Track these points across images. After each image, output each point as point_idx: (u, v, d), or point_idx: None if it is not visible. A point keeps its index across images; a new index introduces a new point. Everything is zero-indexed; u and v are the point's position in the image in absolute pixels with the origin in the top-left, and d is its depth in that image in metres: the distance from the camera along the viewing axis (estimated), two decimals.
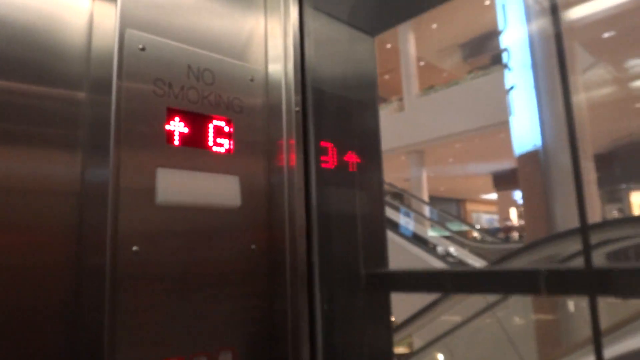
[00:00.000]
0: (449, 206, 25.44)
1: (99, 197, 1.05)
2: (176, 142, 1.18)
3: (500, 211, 23.05)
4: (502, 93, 7.46)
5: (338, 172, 1.42)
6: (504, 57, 7.39)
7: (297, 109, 1.34)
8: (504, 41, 7.45)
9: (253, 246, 1.29)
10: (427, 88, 15.15)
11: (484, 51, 16.91)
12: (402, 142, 14.89)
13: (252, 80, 1.36)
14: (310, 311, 1.28)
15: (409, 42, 15.84)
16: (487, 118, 12.09)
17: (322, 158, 1.39)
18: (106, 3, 1.14)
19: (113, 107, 1.07)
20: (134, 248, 1.07)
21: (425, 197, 15.90)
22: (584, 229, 1.11)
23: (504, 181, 19.78)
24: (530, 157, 6.65)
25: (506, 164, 17.12)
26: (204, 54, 1.27)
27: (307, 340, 1.25)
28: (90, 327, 1.03)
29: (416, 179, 16.05)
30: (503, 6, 7.18)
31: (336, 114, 1.48)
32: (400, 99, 16.13)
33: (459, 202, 26.42)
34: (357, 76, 1.57)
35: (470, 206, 26.89)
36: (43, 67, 1.05)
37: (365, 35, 1.59)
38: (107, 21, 1.12)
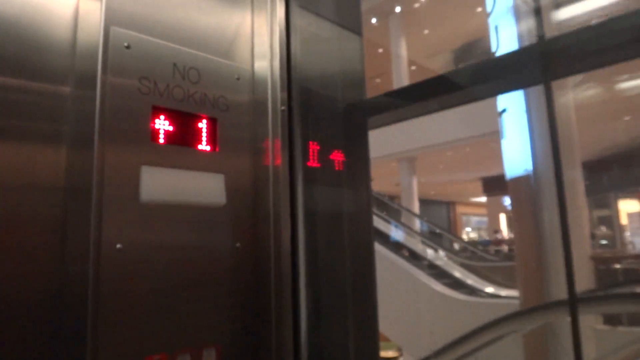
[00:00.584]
0: (439, 209, 25.55)
1: (83, 194, 1.05)
2: (161, 140, 1.18)
3: (490, 217, 23.15)
4: (493, 103, 7.45)
5: (323, 170, 1.42)
6: None
7: (283, 107, 1.34)
8: None
9: (238, 244, 1.29)
10: None
11: (475, 57, 17.05)
12: (393, 150, 14.92)
13: (238, 78, 1.37)
14: (294, 308, 1.28)
15: (400, 47, 15.93)
16: (478, 127, 12.11)
17: (308, 156, 1.39)
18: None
19: (97, 105, 1.07)
20: (118, 246, 1.07)
21: (416, 201, 15.91)
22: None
23: (493, 186, 19.89)
24: (522, 181, 6.61)
25: (496, 171, 17.18)
26: (190, 52, 1.27)
27: (291, 336, 1.26)
28: (73, 324, 1.02)
29: (407, 184, 16.09)
30: (495, 27, 7.12)
31: (323, 112, 1.48)
32: None
33: (449, 204, 26.55)
34: (345, 75, 1.57)
35: (460, 209, 27.04)
36: (27, 60, 1.04)
37: (353, 35, 1.59)
38: (93, 16, 1.12)
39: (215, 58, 1.32)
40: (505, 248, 16.04)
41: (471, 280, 10.41)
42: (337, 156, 1.47)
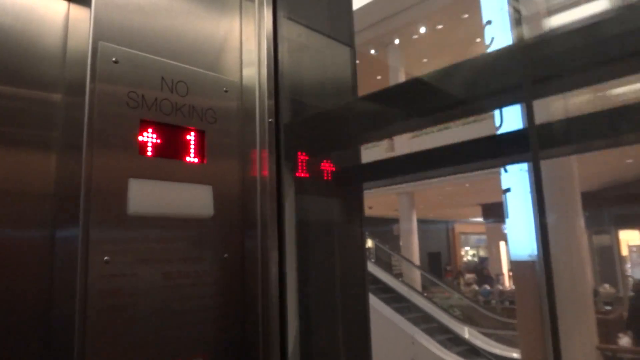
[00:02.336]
0: (438, 228, 25.43)
1: (72, 203, 1.05)
2: (149, 153, 1.18)
3: (490, 246, 22.91)
4: None
5: (312, 180, 1.42)
6: None
7: (271, 120, 1.35)
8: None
9: (225, 255, 1.28)
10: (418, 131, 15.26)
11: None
12: (391, 184, 14.90)
13: (226, 91, 1.37)
14: (282, 319, 1.26)
15: (399, 75, 16.10)
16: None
17: (296, 166, 1.39)
18: (81, 10, 1.16)
19: (86, 118, 1.07)
20: (106, 258, 1.06)
21: (414, 224, 15.83)
22: None
23: (493, 212, 19.78)
24: (526, 266, 6.39)
25: (495, 198, 17.09)
26: (179, 65, 1.28)
27: (279, 348, 1.24)
28: (60, 337, 1.02)
29: (406, 216, 16.08)
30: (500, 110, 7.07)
31: (312, 122, 1.48)
32: (391, 139, 16.19)
33: (448, 223, 26.46)
34: (335, 86, 1.58)
35: (459, 228, 26.92)
36: (19, 68, 1.07)
37: (343, 46, 1.60)
38: (82, 26, 1.14)
39: (204, 71, 1.33)
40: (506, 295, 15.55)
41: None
42: (327, 166, 1.47)
